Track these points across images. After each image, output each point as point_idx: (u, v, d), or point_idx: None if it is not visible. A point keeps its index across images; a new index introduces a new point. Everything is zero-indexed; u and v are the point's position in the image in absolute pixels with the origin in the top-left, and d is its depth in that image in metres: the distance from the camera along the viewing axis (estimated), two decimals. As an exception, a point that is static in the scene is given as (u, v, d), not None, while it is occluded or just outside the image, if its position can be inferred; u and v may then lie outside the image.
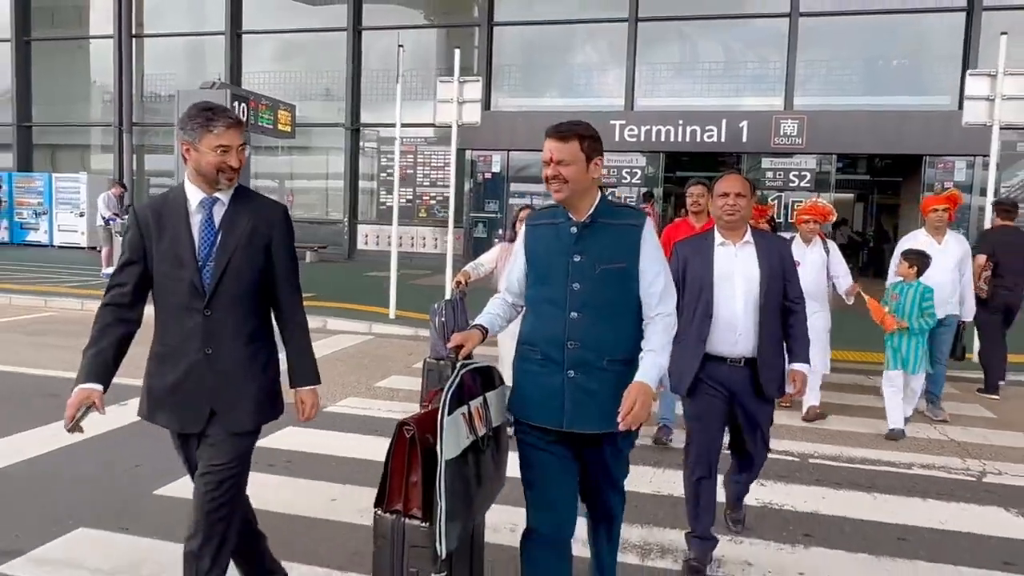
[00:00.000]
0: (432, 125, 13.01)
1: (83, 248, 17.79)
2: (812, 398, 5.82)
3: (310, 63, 18.08)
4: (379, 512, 2.44)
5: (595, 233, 2.55)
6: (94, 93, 20.27)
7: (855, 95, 14.91)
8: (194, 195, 2.51)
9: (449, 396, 2.35)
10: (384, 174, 17.38)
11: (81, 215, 18.10)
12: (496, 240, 12.97)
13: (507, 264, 4.80)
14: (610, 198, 2.67)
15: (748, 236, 3.42)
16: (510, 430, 2.72)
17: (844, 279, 5.68)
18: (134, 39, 18.92)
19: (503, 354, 4.88)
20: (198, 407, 2.53)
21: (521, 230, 2.78)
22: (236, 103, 10.06)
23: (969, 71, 8.04)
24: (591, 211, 2.56)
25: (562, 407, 2.51)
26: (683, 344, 3.27)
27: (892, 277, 5.89)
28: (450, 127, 9.34)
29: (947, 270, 5.91)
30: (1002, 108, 7.61)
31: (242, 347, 2.55)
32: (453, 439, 2.35)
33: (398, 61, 9.62)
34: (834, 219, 6.08)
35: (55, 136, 20.48)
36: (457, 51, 9.45)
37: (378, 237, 17.40)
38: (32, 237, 18.61)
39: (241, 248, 2.51)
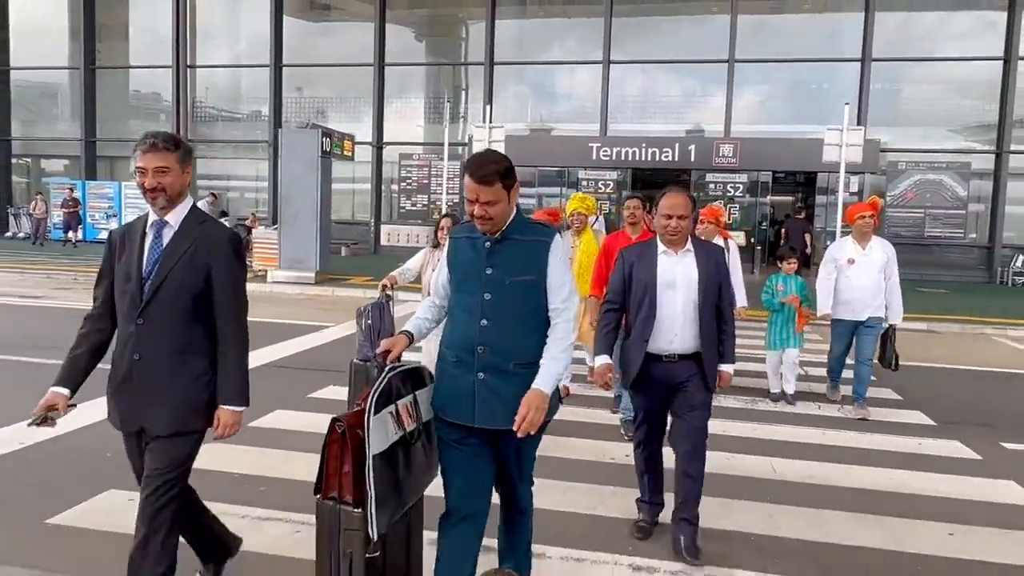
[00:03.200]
0: (439, 144, 16.97)
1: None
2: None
3: (340, 90, 21.88)
4: (319, 499, 2.58)
5: (507, 248, 2.70)
6: (148, 112, 23.79)
7: (777, 123, 19.18)
8: (151, 219, 2.69)
9: (375, 398, 2.49)
10: (404, 183, 21.23)
11: (147, 217, 21.65)
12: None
13: (433, 266, 5.13)
14: (524, 216, 2.81)
15: (689, 245, 3.63)
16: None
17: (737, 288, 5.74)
18: (188, 69, 22.52)
19: (425, 351, 5.10)
20: (127, 409, 2.68)
21: (444, 239, 3.00)
22: (323, 137, 13.95)
23: (827, 127, 12.26)
24: (505, 228, 2.70)
25: (473, 406, 2.67)
26: (629, 342, 3.67)
27: (822, 272, 6.44)
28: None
29: (870, 274, 6.20)
30: (848, 152, 11.82)
31: (167, 357, 2.65)
32: (380, 436, 2.50)
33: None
34: (724, 221, 6.73)
35: (112, 149, 23.92)
36: (478, 101, 13.39)
37: (398, 235, 21.23)
38: (102, 236, 22.10)
39: (179, 269, 2.63)
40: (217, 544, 3.10)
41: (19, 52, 23.82)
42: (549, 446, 4.13)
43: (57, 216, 21.14)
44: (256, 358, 7.06)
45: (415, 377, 2.78)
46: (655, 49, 19.79)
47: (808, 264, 14.25)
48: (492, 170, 2.60)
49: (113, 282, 2.72)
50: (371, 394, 2.51)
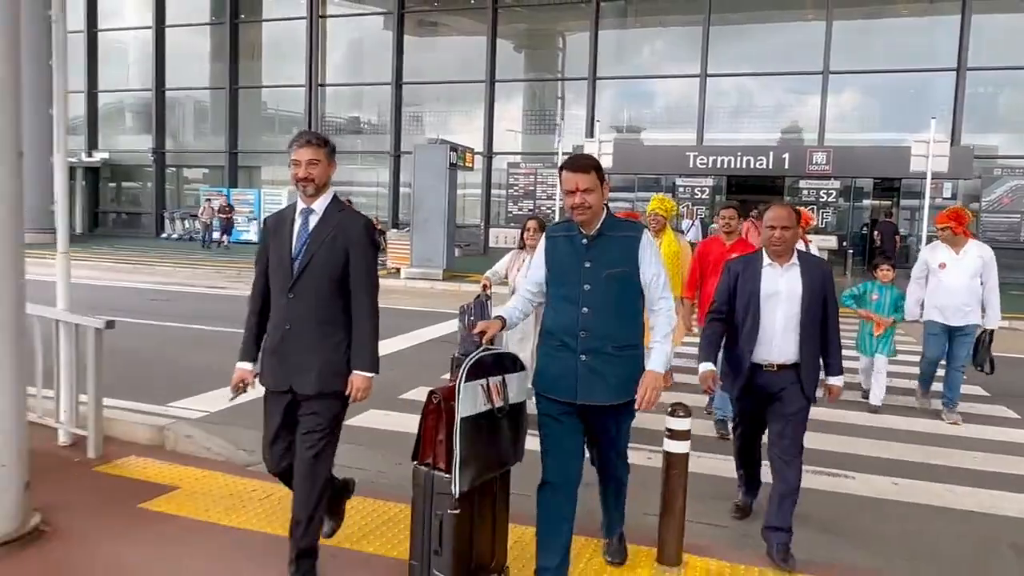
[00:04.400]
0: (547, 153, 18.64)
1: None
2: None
3: (460, 107, 23.96)
4: (415, 464, 2.92)
5: (602, 244, 3.02)
6: (281, 125, 26.53)
7: (870, 131, 19.93)
8: (299, 206, 3.08)
9: (467, 368, 2.81)
10: (511, 189, 23.04)
11: (283, 220, 24.26)
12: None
13: (517, 267, 5.45)
14: (614, 214, 3.14)
15: (794, 259, 3.69)
16: (531, 404, 3.10)
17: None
18: (319, 87, 25.06)
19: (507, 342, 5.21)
20: (280, 371, 3.03)
21: (540, 240, 3.28)
22: (451, 151, 15.86)
23: (913, 138, 13.23)
24: (599, 226, 3.02)
25: (576, 385, 2.97)
26: (734, 352, 3.78)
27: (914, 275, 6.46)
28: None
29: (962, 278, 6.07)
30: (933, 162, 12.77)
31: (314, 327, 3.00)
32: (469, 402, 2.80)
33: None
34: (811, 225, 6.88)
35: (250, 160, 26.73)
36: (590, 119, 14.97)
37: (505, 237, 23.03)
38: (244, 237, 24.87)
39: (322, 251, 2.99)
40: (337, 502, 3.36)
41: (171, 75, 27.00)
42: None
43: (214, 220, 23.89)
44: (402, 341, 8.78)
45: (508, 361, 3.05)
46: (750, 57, 20.87)
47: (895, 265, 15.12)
48: (587, 163, 3.00)
49: (268, 262, 3.12)
50: (464, 364, 2.81)
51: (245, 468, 4.38)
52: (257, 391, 3.14)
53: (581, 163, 2.98)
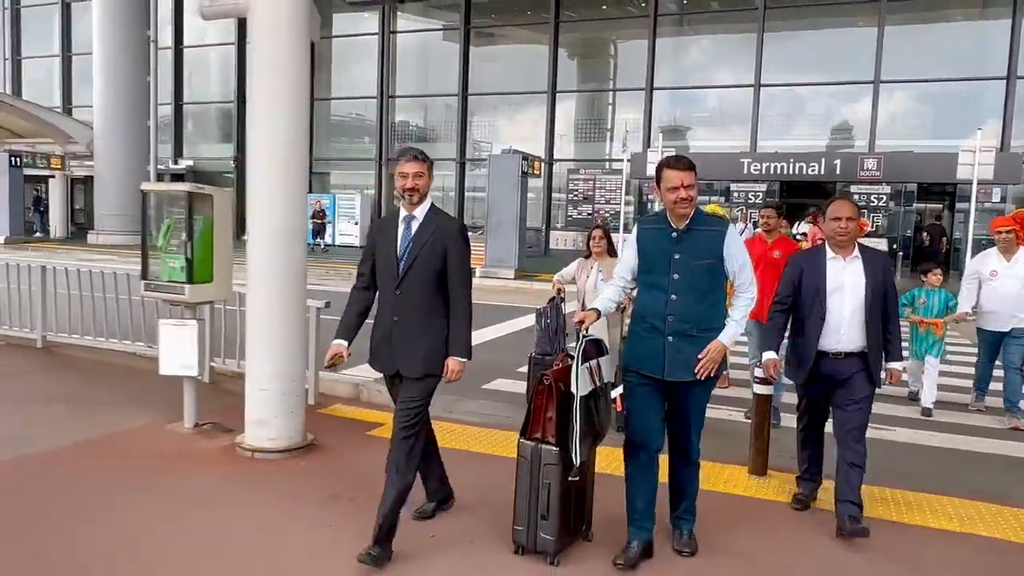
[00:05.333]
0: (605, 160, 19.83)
1: (357, 246, 25.57)
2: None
3: (522, 117, 25.34)
4: (522, 439, 3.36)
5: (692, 237, 3.35)
6: (354, 134, 28.25)
7: (921, 138, 20.69)
8: (403, 213, 3.50)
9: (581, 352, 3.24)
10: (571, 195, 24.31)
11: (355, 223, 25.92)
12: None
13: (586, 274, 5.63)
14: (701, 211, 3.43)
15: (856, 252, 3.88)
16: (614, 393, 3.49)
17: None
18: (390, 99, 26.71)
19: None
20: (389, 357, 3.48)
21: (634, 230, 3.59)
22: (522, 160, 17.22)
23: (960, 147, 14.12)
24: (688, 221, 3.35)
25: (663, 362, 3.34)
26: (801, 342, 3.97)
27: (964, 284, 6.49)
28: (620, 161, 16.09)
29: (1015, 286, 6.19)
30: (979, 170, 13.65)
31: (419, 319, 3.43)
32: (584, 383, 3.25)
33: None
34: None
35: (323, 167, 28.51)
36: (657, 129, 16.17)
37: (564, 239, 24.31)
38: (316, 241, 26.59)
39: (424, 251, 3.40)
40: (441, 486, 3.90)
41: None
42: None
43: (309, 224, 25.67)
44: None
45: (599, 346, 3.53)
46: (802, 64, 21.78)
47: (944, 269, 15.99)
48: (690, 163, 3.35)
49: (375, 261, 3.55)
50: (577, 348, 3.24)
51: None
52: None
53: (685, 163, 3.35)
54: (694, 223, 3.38)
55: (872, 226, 19.77)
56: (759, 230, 6.15)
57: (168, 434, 5.08)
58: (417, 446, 3.44)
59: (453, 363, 3.45)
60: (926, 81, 20.57)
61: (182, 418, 5.16)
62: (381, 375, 3.73)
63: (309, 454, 4.75)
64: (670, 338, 3.33)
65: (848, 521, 3.70)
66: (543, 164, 22.03)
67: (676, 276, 3.34)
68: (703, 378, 3.33)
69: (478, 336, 9.48)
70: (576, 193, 24.21)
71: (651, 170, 19.01)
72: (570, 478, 3.25)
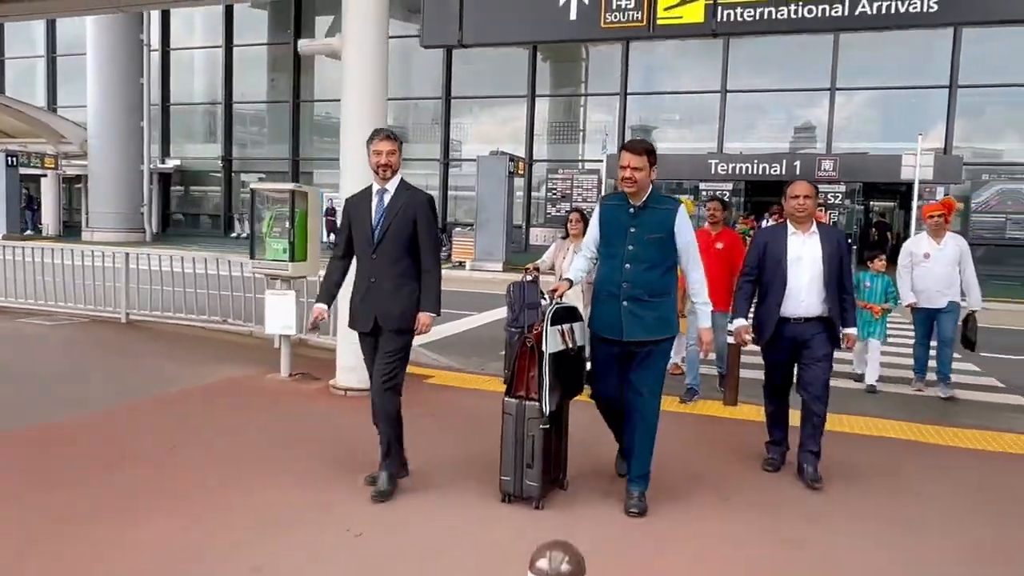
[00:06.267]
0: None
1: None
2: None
3: (502, 119, 26.67)
4: (507, 398, 3.64)
5: (647, 214, 3.71)
6: (333, 134, 29.27)
7: (873, 142, 22.50)
8: (375, 188, 3.88)
9: (550, 316, 3.61)
10: (550, 193, 25.71)
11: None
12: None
13: (563, 255, 6.29)
14: (658, 192, 3.73)
15: (814, 228, 4.26)
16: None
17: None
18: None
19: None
20: (368, 315, 3.86)
21: (597, 207, 3.92)
22: (509, 161, 18.55)
23: (903, 153, 15.80)
24: (645, 199, 3.71)
25: (621, 326, 3.70)
26: (765, 307, 4.35)
27: (900, 265, 6.91)
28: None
29: (943, 266, 6.69)
30: (920, 171, 15.32)
31: (394, 279, 3.81)
32: (553, 342, 3.62)
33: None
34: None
35: (306, 166, 29.51)
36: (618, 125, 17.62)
37: (544, 235, 25.69)
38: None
39: (396, 220, 3.79)
40: (399, 452, 4.00)
41: (237, 88, 29.86)
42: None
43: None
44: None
45: (572, 313, 3.89)
46: (766, 69, 23.45)
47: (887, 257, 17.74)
48: (642, 146, 3.67)
49: (350, 233, 3.92)
50: (546, 313, 3.59)
51: (466, 371, 7.14)
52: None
53: (636, 146, 3.71)
54: (650, 202, 3.76)
55: (829, 221, 21.46)
56: (706, 224, 6.54)
57: (271, 381, 6.37)
58: (396, 398, 3.90)
59: (424, 317, 3.87)
60: (878, 89, 22.36)
61: (277, 370, 6.44)
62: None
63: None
64: (625, 303, 3.69)
65: (809, 467, 4.24)
66: (526, 165, 23.37)
67: (631, 247, 3.70)
68: (705, 355, 4.03)
69: (480, 319, 10.71)
70: (555, 192, 25.63)
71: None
72: (540, 426, 3.60)
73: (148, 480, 4.03)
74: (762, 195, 22.17)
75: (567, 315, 3.84)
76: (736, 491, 4.17)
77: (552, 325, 3.65)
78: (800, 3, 4.93)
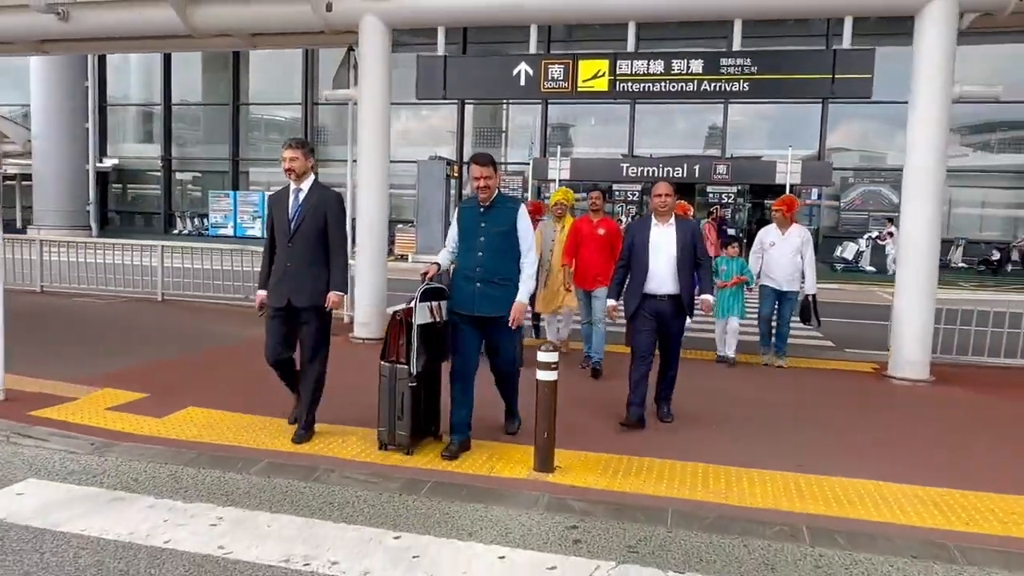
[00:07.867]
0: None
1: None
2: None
3: (429, 121, 28.88)
4: (382, 362, 4.25)
5: (494, 211, 4.40)
6: (275, 138, 30.82)
7: (763, 148, 25.91)
8: (292, 187, 4.53)
9: (419, 295, 4.22)
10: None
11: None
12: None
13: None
14: (504, 192, 4.37)
15: (672, 220, 5.08)
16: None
17: None
18: (315, 105, 29.53)
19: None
20: (282, 294, 4.48)
21: (455, 210, 4.65)
22: (447, 164, 20.87)
23: (778, 160, 18.99)
24: (492, 200, 4.41)
25: (474, 302, 4.37)
26: (631, 287, 5.13)
27: (752, 250, 7.82)
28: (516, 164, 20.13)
29: (786, 255, 7.46)
30: (790, 176, 18.51)
31: (306, 264, 4.43)
32: (422, 315, 4.25)
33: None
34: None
35: (245, 166, 30.92)
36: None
37: (474, 231, 28.10)
38: (250, 233, 29.05)
39: (308, 215, 4.42)
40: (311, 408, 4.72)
41: (176, 90, 30.96)
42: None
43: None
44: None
45: (441, 292, 4.54)
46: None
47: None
48: (488, 159, 4.43)
49: (274, 225, 4.58)
50: (417, 292, 4.27)
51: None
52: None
53: (483, 159, 4.41)
54: (496, 202, 4.51)
55: (719, 216, 24.62)
56: (587, 210, 7.28)
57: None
58: (323, 368, 4.68)
59: (334, 296, 4.54)
60: (766, 102, 25.70)
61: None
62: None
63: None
64: (478, 284, 4.41)
65: (664, 407, 5.43)
66: (457, 168, 25.69)
67: (482, 239, 4.43)
68: (515, 328, 4.50)
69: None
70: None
71: (551, 173, 23.11)
72: (409, 384, 4.25)
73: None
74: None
75: (436, 294, 4.57)
76: (598, 438, 5.00)
77: (422, 301, 4.39)
78: (666, 83, 7.73)
